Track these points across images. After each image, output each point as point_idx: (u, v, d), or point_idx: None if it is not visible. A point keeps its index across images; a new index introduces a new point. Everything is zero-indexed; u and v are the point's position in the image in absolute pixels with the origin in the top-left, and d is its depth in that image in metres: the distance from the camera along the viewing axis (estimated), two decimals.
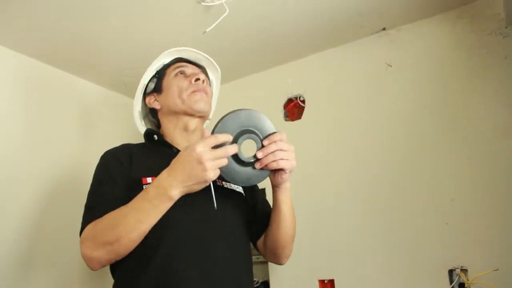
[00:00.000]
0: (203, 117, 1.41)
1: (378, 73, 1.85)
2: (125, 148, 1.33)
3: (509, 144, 1.52)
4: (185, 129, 1.38)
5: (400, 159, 1.73)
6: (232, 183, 1.19)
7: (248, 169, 1.14)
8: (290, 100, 2.08)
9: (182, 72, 1.42)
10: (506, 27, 1.59)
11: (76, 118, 2.01)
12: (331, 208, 1.85)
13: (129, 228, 1.08)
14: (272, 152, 1.13)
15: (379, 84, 1.84)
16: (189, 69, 1.44)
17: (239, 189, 1.36)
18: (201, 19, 1.66)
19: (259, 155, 1.13)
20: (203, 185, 1.07)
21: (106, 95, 2.20)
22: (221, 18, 1.56)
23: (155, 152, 1.33)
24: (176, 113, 1.38)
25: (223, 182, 1.31)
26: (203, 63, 1.51)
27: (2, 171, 1.66)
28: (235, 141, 1.11)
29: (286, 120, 2.07)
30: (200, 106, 1.35)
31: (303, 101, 2.04)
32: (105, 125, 2.14)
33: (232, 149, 1.07)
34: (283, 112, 2.08)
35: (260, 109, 1.22)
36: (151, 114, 1.49)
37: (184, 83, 1.37)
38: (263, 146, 1.13)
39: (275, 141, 1.13)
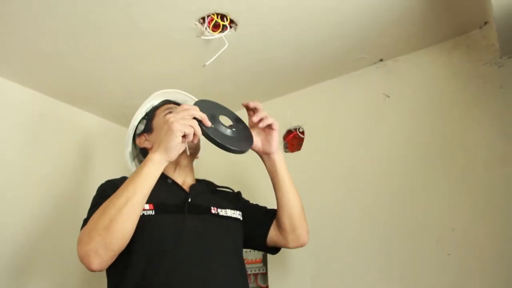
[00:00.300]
0: (193, 154, 1.48)
1: (376, 103, 1.86)
2: (125, 179, 1.34)
3: (507, 172, 1.51)
4: (177, 165, 1.44)
5: (399, 189, 1.72)
6: (229, 150, 1.25)
7: (236, 136, 1.30)
8: (289, 132, 2.09)
9: (171, 112, 1.46)
10: (501, 57, 1.61)
11: (77, 149, 2.03)
12: (331, 239, 1.83)
13: (120, 204, 1.10)
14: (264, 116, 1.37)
15: (377, 115, 1.85)
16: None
17: (235, 214, 1.42)
18: (201, 52, 1.69)
19: (255, 118, 1.37)
20: (174, 140, 1.15)
21: (107, 126, 2.22)
22: (220, 51, 1.58)
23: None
24: None
25: (218, 210, 1.37)
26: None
27: (2, 201, 1.66)
28: (211, 116, 1.26)
29: (286, 152, 2.07)
30: (191, 144, 1.38)
31: (303, 132, 2.05)
32: (105, 156, 2.16)
33: (196, 111, 1.20)
34: (282, 144, 2.09)
35: None
36: (142, 154, 1.54)
37: None
38: (235, 123, 1.34)
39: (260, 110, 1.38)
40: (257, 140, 1.41)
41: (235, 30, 1.59)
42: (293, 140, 2.07)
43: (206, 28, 1.52)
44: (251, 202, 1.61)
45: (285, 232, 1.44)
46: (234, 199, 1.54)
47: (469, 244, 1.53)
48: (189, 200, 1.34)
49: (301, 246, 1.47)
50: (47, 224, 1.81)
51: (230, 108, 1.43)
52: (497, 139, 1.56)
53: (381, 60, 1.88)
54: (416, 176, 1.69)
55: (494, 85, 1.61)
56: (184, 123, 1.16)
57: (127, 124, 2.08)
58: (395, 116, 1.81)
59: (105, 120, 2.23)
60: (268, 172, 1.46)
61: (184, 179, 1.45)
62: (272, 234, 1.48)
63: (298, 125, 2.07)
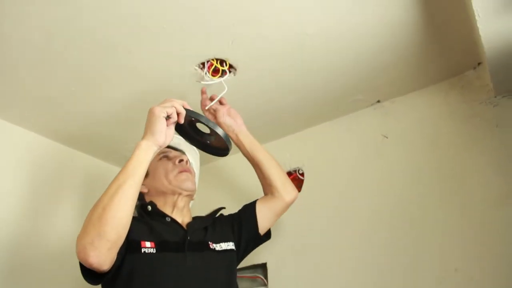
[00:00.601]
0: (190, 195, 1.51)
1: (374, 144, 1.88)
2: None
3: (507, 212, 1.50)
4: (175, 206, 1.47)
5: (399, 230, 1.70)
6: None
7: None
8: (289, 173, 2.09)
9: (165, 156, 1.54)
10: (495, 97, 1.64)
11: (76, 190, 2.02)
12: (330, 277, 1.80)
13: (112, 192, 1.11)
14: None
15: (376, 155, 1.86)
16: (171, 153, 1.56)
17: (230, 246, 1.46)
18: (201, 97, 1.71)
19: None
20: (158, 121, 1.20)
21: (108, 169, 2.22)
22: (220, 95, 1.61)
23: (151, 220, 1.38)
24: (164, 193, 1.47)
25: (215, 245, 1.40)
26: (182, 147, 1.63)
27: (6, 246, 1.65)
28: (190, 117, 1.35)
29: None
30: (187, 185, 1.47)
31: (302, 174, 2.06)
32: None
33: (178, 103, 1.27)
34: None
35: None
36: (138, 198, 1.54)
37: (169, 165, 1.50)
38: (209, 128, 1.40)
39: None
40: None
41: (234, 75, 1.62)
42: (293, 181, 2.06)
43: (206, 73, 1.55)
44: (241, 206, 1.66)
45: (278, 193, 1.59)
46: (227, 224, 1.56)
47: (472, 285, 1.50)
48: (188, 237, 1.36)
49: (296, 197, 1.65)
50: (48, 267, 1.79)
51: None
52: (495, 178, 1.56)
53: (378, 101, 1.91)
54: (416, 216, 1.68)
55: (490, 124, 1.63)
56: (165, 106, 1.23)
57: None
58: (393, 156, 1.82)
59: (106, 163, 2.23)
60: (244, 151, 1.62)
61: (182, 219, 1.46)
62: (264, 212, 1.58)
63: (298, 167, 2.07)
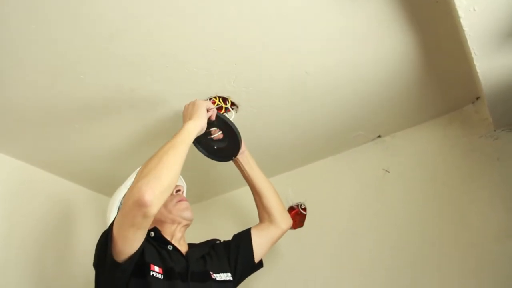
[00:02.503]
0: (187, 225, 1.52)
1: (376, 178, 1.88)
2: None
3: (509, 247, 1.49)
4: (172, 236, 1.46)
5: (399, 266, 1.69)
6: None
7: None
8: (291, 208, 2.08)
9: None
10: (495, 130, 1.65)
11: (61, 219, 2.01)
12: None
13: (165, 149, 1.24)
14: None
15: (378, 190, 1.86)
16: None
17: (228, 277, 1.47)
18: None
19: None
20: (202, 108, 1.40)
21: (93, 197, 2.22)
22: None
23: (156, 246, 1.38)
24: (162, 222, 1.46)
25: (215, 275, 1.42)
26: None
27: None
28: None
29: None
30: (187, 214, 1.49)
31: (304, 209, 2.05)
32: (92, 226, 2.11)
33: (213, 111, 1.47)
34: None
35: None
36: None
37: None
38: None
39: None
40: None
41: (236, 112, 1.65)
42: (295, 216, 2.06)
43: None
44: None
45: (276, 220, 1.63)
46: (222, 254, 1.56)
47: None
48: (189, 267, 1.36)
49: (291, 224, 1.69)
50: None
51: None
52: (496, 212, 1.56)
53: (379, 136, 1.92)
54: (416, 252, 1.67)
55: (490, 158, 1.64)
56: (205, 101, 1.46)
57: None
58: (394, 191, 1.82)
59: (93, 192, 2.22)
60: (245, 174, 1.67)
61: (181, 248, 1.46)
62: (260, 240, 1.60)
63: (300, 202, 2.07)
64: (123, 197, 1.49)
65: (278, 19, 1.27)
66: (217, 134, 1.57)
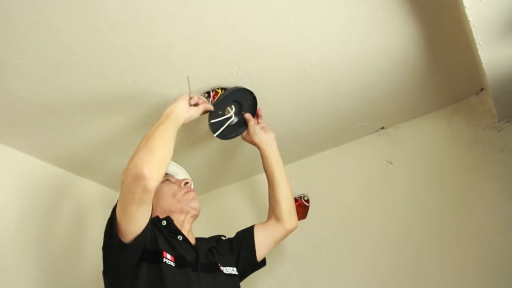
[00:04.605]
0: (195, 216, 1.53)
1: (379, 170, 1.88)
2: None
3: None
4: (181, 227, 1.47)
5: (405, 255, 1.70)
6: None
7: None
8: (294, 200, 2.08)
9: (167, 180, 1.57)
10: (499, 122, 1.64)
11: (78, 216, 2.03)
12: None
13: (154, 127, 1.30)
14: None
15: (381, 181, 1.86)
16: (173, 178, 1.61)
17: (234, 271, 1.49)
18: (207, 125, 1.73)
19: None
20: (180, 99, 1.43)
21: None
22: (227, 123, 1.62)
23: (166, 235, 1.39)
24: (171, 212, 1.48)
25: (223, 268, 1.44)
26: (179, 176, 1.66)
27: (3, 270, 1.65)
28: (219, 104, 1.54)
29: None
30: (195, 204, 1.51)
31: (308, 201, 2.05)
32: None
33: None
34: None
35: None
36: None
37: (174, 186, 1.53)
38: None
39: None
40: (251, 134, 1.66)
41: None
42: (298, 208, 2.06)
43: (211, 102, 1.57)
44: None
45: (283, 218, 1.62)
46: (226, 249, 1.57)
47: None
48: (199, 258, 1.38)
49: (296, 227, 1.66)
50: None
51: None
52: (499, 204, 1.56)
53: (382, 127, 1.92)
54: (419, 243, 1.68)
55: (494, 149, 1.63)
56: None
57: None
58: (397, 182, 1.82)
59: (100, 185, 2.23)
60: (267, 166, 1.66)
61: (190, 239, 1.47)
62: (263, 238, 1.59)
63: (303, 193, 2.07)
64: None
65: (282, 10, 1.26)
66: (231, 113, 1.62)
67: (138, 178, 1.16)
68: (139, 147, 1.25)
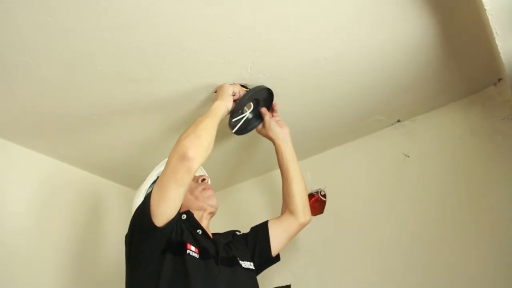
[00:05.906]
0: (212, 213, 1.55)
1: (396, 163, 1.86)
2: None
3: None
4: (199, 222, 1.48)
5: (420, 248, 1.67)
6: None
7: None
8: (311, 195, 2.07)
9: None
10: None
11: (92, 212, 2.06)
12: None
13: (198, 121, 1.37)
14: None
15: (398, 174, 1.84)
16: None
17: (251, 266, 1.50)
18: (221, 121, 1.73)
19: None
20: (228, 92, 1.49)
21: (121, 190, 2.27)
22: (243, 119, 1.62)
23: (188, 228, 1.42)
24: (189, 208, 1.48)
25: (241, 262, 1.45)
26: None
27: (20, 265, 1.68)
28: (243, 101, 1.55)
29: None
30: (213, 201, 1.54)
31: (324, 195, 2.05)
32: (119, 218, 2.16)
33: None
34: None
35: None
36: None
37: (192, 182, 1.50)
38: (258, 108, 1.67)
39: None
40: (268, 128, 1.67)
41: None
42: (315, 203, 2.05)
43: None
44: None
45: (297, 213, 1.62)
46: (242, 243, 1.58)
47: None
48: (219, 252, 1.39)
49: (310, 221, 1.67)
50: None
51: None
52: None
53: (398, 121, 1.90)
54: (437, 237, 1.65)
55: None
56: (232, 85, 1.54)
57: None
58: (414, 176, 1.80)
59: (119, 185, 2.27)
60: (281, 161, 1.67)
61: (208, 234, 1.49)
62: (277, 233, 1.59)
63: (320, 188, 2.07)
64: (149, 186, 1.55)
65: (294, 5, 1.26)
66: (250, 110, 1.64)
67: (184, 158, 1.25)
68: (187, 131, 1.33)
